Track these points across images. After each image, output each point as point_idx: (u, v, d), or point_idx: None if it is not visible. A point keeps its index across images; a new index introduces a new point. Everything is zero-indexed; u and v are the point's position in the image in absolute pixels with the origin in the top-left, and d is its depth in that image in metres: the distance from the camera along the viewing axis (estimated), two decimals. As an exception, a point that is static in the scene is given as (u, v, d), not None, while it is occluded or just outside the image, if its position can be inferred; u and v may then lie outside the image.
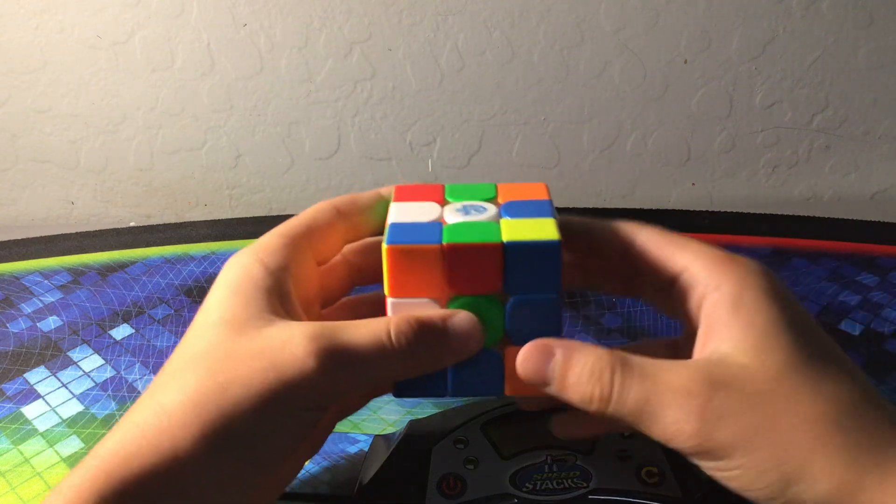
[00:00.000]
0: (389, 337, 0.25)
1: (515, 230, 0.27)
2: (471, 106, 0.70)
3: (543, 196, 0.29)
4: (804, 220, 0.60)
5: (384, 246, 0.26)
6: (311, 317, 0.29)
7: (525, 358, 0.26)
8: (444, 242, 0.26)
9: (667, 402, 0.24)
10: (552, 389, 0.26)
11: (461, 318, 0.27)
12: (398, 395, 0.28)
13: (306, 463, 0.32)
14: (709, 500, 0.33)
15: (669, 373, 0.24)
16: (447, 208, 0.29)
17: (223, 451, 0.24)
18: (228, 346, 0.25)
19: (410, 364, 0.26)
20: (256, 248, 0.28)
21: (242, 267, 0.27)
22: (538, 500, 0.33)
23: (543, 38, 0.67)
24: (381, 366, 0.25)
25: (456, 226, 0.27)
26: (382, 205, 0.30)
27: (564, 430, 0.32)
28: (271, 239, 0.28)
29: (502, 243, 0.26)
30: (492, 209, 0.28)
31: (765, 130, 0.72)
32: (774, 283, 0.26)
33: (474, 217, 0.28)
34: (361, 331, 0.25)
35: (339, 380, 0.25)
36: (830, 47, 0.68)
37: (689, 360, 0.25)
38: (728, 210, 0.62)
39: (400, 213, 0.28)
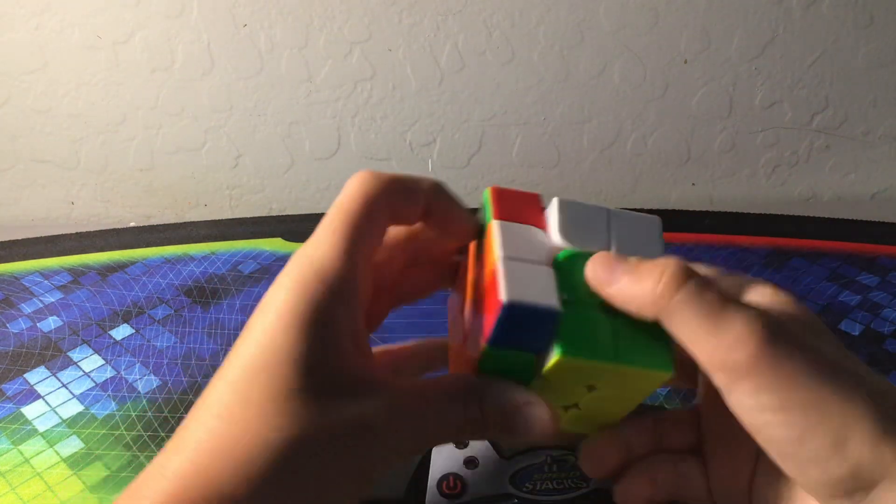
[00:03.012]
0: (467, 428, 0.26)
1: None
2: (471, 106, 0.70)
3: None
4: (804, 220, 0.60)
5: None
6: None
7: (598, 258, 0.25)
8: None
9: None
10: (623, 273, 0.24)
11: (536, 412, 0.26)
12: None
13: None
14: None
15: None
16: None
17: (292, 497, 0.23)
18: (311, 398, 0.23)
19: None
20: (321, 270, 0.25)
21: (315, 291, 0.24)
22: (538, 500, 0.33)
23: (543, 38, 0.67)
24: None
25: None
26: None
27: (592, 463, 0.30)
28: (334, 256, 0.25)
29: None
30: None
31: (765, 130, 0.72)
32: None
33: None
34: (440, 422, 0.25)
35: (414, 452, 0.26)
36: (830, 47, 0.68)
37: None
38: (728, 210, 0.62)
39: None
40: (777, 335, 0.23)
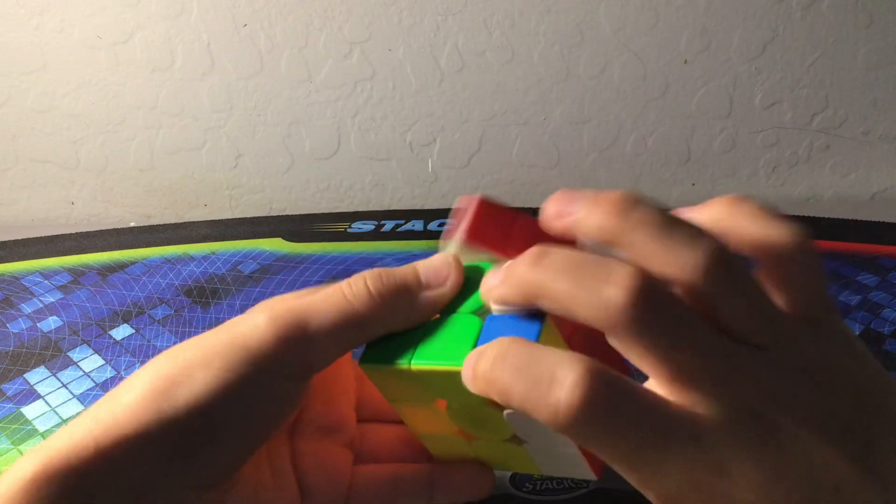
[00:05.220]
0: (349, 285, 0.24)
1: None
2: (471, 106, 0.70)
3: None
4: (804, 220, 0.60)
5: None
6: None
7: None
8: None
9: None
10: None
11: (436, 258, 0.25)
12: (363, 363, 0.26)
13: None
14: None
15: None
16: None
17: (178, 430, 0.22)
18: (197, 337, 0.24)
19: (379, 310, 0.24)
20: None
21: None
22: (538, 500, 0.33)
23: (543, 38, 0.67)
24: (343, 319, 0.24)
25: None
26: None
27: None
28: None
29: None
30: None
31: (765, 130, 0.72)
32: None
33: None
34: (320, 292, 0.24)
35: (298, 339, 0.23)
36: (830, 47, 0.68)
37: None
38: (728, 210, 0.62)
39: None
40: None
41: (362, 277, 0.25)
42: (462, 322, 0.24)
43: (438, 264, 0.25)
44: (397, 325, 0.25)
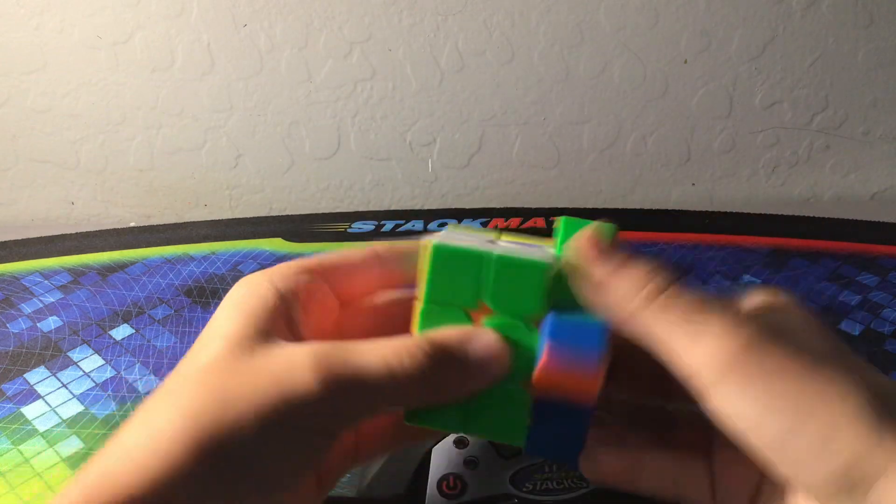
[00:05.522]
0: (400, 361, 0.24)
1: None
2: (471, 106, 0.70)
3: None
4: (804, 220, 0.60)
5: (428, 242, 0.25)
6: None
7: (594, 231, 0.25)
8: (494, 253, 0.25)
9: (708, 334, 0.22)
10: (610, 264, 0.24)
11: (484, 339, 0.25)
12: (408, 420, 0.26)
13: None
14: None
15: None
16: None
17: (220, 469, 0.22)
18: (230, 363, 0.24)
19: (425, 391, 0.24)
20: (270, 271, 0.27)
21: (251, 285, 0.26)
22: (538, 500, 0.33)
23: (543, 38, 0.67)
24: (390, 392, 0.24)
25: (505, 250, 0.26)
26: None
27: (596, 467, 0.28)
28: (287, 265, 0.28)
29: (547, 264, 0.24)
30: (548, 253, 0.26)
31: (765, 130, 0.72)
32: None
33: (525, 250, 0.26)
34: (370, 353, 0.24)
35: (345, 404, 0.24)
36: (830, 47, 0.68)
37: None
38: (728, 210, 0.62)
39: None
40: (759, 334, 0.22)
41: (407, 349, 0.24)
42: (512, 391, 0.25)
43: (492, 348, 0.25)
44: (438, 401, 0.25)
